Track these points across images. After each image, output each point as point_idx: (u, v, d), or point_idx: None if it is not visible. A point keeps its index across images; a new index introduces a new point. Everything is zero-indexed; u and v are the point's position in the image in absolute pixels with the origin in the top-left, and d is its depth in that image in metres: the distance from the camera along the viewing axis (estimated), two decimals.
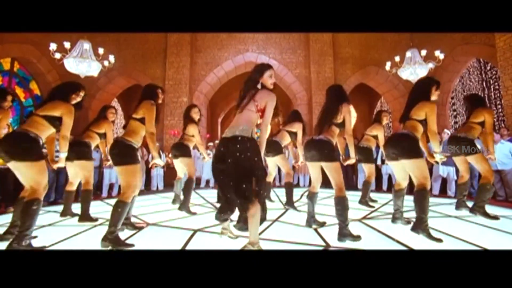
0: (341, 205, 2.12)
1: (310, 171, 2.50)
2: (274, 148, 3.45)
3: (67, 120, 2.12)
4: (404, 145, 2.21)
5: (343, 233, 2.08)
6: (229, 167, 1.67)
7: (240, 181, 1.63)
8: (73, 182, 3.06)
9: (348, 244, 2.02)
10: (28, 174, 1.95)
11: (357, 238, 2.08)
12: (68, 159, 2.73)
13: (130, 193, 2.05)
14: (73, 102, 2.28)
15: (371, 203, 3.67)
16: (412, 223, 2.28)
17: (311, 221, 2.49)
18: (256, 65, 2.01)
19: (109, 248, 1.95)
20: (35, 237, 2.23)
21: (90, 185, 2.94)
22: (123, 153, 2.12)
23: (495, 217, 2.72)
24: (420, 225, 2.11)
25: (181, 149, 3.42)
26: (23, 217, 1.89)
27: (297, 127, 3.50)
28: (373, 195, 4.05)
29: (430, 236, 2.05)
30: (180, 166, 3.61)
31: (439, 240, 2.02)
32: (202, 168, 6.87)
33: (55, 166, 2.31)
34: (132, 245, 2.02)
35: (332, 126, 2.32)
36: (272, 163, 3.70)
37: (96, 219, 2.89)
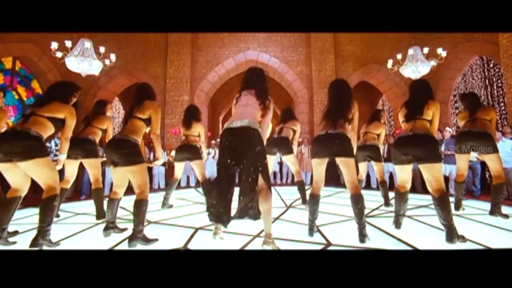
0: (362, 203, 2.05)
1: (317, 169, 2.25)
2: (287, 146, 3.41)
3: (71, 122, 2.13)
4: (431, 147, 2.07)
5: (364, 233, 2.03)
6: (247, 159, 1.73)
7: (256, 172, 1.73)
8: (69, 180, 2.94)
9: (351, 243, 2.01)
10: (44, 172, 1.95)
11: None
12: (73, 157, 2.74)
13: (148, 190, 2.09)
14: (71, 103, 2.28)
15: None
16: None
17: (315, 228, 2.25)
18: (262, 71, 2.07)
19: (108, 248, 1.96)
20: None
21: (100, 183, 2.95)
22: (136, 152, 2.08)
23: (506, 216, 2.69)
24: (454, 233, 1.95)
25: (193, 152, 3.41)
26: (44, 214, 1.91)
27: (298, 125, 3.54)
28: (375, 193, 4.04)
29: (463, 239, 1.97)
30: (181, 168, 3.58)
31: (464, 239, 1.98)
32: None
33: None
34: (157, 239, 2.08)
35: (346, 121, 2.22)
36: (272, 161, 3.64)
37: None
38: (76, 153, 2.75)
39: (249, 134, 1.75)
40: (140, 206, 1.99)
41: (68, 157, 2.67)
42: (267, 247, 1.74)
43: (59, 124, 2.11)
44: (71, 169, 2.91)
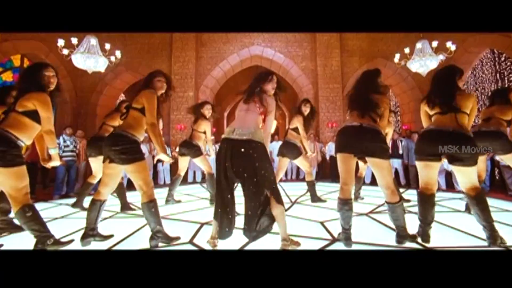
0: (401, 211, 1.89)
1: (344, 166, 1.97)
2: (292, 152, 3.35)
3: (44, 113, 1.81)
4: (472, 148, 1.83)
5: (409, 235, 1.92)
6: (247, 177, 1.68)
7: (260, 190, 1.68)
8: (96, 175, 3.04)
9: (356, 239, 1.97)
10: (4, 181, 1.71)
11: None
12: (91, 155, 2.97)
13: (152, 189, 1.94)
14: (51, 86, 1.93)
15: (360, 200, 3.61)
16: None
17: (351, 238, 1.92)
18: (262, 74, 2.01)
19: (105, 247, 1.97)
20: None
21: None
22: (133, 149, 1.89)
23: None
24: (497, 235, 1.80)
25: (190, 148, 3.36)
26: (33, 225, 1.74)
27: (296, 122, 3.38)
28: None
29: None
30: (184, 163, 3.58)
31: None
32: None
33: (49, 165, 2.07)
34: (179, 237, 2.04)
35: (377, 116, 2.00)
36: (286, 162, 3.57)
37: (133, 209, 3.21)
38: (92, 152, 2.97)
39: (252, 149, 1.68)
40: (149, 209, 1.87)
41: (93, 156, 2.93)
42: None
43: (38, 117, 1.81)
44: (97, 166, 2.97)
